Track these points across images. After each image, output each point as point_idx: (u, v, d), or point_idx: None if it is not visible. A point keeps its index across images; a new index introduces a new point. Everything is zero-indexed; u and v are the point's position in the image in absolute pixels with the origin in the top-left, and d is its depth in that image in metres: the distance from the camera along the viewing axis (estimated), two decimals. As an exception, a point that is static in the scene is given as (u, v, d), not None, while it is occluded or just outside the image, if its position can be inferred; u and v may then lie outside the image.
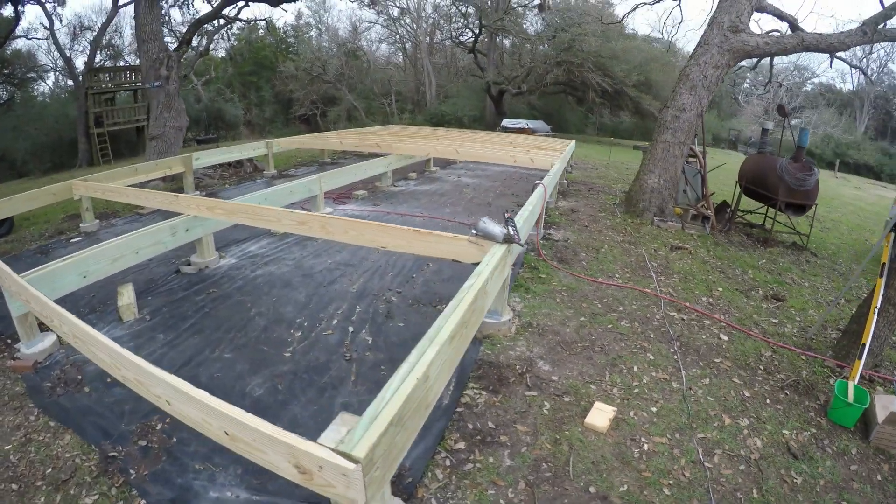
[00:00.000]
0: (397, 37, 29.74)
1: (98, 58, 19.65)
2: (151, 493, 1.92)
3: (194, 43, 17.90)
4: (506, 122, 22.84)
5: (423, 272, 4.13)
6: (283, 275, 4.17)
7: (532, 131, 20.98)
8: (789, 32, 6.03)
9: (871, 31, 5.37)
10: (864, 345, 3.20)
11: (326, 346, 2.99)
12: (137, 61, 23.09)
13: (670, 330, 3.53)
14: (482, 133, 12.62)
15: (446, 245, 2.83)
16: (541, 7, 9.30)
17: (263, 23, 22.35)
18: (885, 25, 5.58)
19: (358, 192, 7.60)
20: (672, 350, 3.25)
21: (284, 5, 17.35)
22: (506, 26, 23.71)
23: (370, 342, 3.02)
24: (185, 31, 16.45)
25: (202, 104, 20.42)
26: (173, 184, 8.02)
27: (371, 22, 28.67)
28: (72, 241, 5.30)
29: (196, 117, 19.20)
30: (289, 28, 28.35)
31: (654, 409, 2.59)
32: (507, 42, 28.94)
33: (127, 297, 3.37)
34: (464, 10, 24.76)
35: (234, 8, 17.31)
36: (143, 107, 17.03)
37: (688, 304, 4.06)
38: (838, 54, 6.10)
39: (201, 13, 16.83)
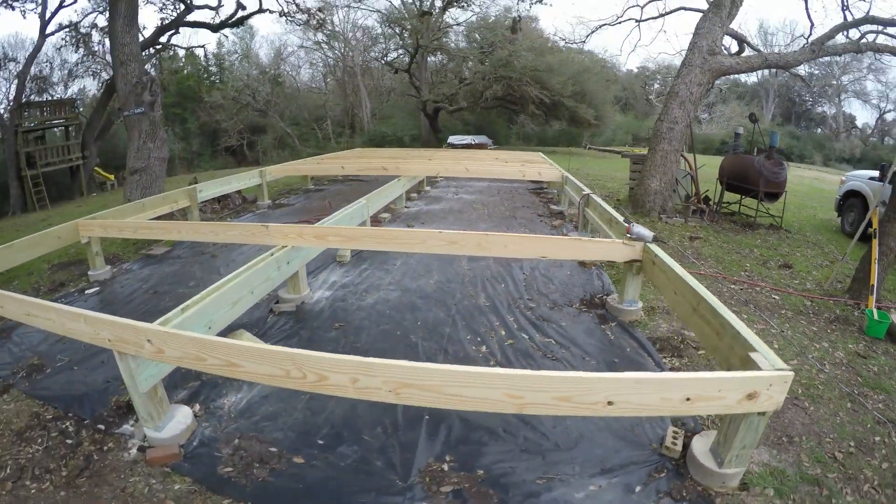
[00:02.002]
0: (329, 60, 30.36)
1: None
2: None
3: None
4: (452, 139, 24.16)
5: (529, 278, 4.94)
6: (398, 301, 4.24)
7: (479, 146, 22.58)
8: (752, 52, 7.82)
9: (818, 49, 7.27)
10: (872, 285, 4.64)
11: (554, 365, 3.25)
12: (64, 95, 21.64)
13: (741, 297, 4.76)
14: (466, 151, 13.78)
15: (605, 248, 3.73)
16: (513, 29, 10.57)
17: (192, 50, 22.09)
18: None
19: (382, 214, 8.15)
20: (751, 310, 4.46)
21: (226, 30, 17.48)
22: (443, 45, 25.36)
23: (571, 350, 3.43)
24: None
25: None
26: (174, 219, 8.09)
27: (301, 46, 29.10)
28: (86, 291, 4.89)
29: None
30: (210, 56, 27.98)
31: (776, 346, 3.72)
32: (435, 59, 30.71)
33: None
34: (399, 31, 26.12)
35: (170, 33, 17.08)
36: (78, 144, 16.20)
37: (736, 278, 5.35)
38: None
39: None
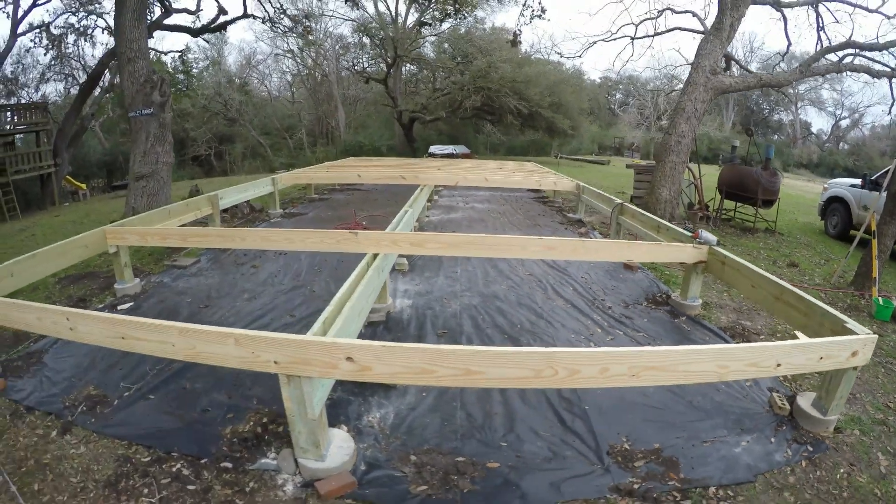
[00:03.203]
0: (302, 68, 30.54)
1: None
2: None
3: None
4: (433, 149, 24.84)
5: (587, 281, 5.60)
6: (484, 306, 4.58)
7: (465, 155, 23.43)
8: (747, 72, 8.96)
9: (805, 70, 8.48)
10: (874, 277, 5.64)
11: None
12: (35, 98, 20.71)
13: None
14: (469, 161, 14.49)
15: (676, 252, 4.43)
16: (513, 42, 11.38)
17: (159, 56, 21.82)
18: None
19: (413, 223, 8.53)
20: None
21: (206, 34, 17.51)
22: (421, 56, 26.16)
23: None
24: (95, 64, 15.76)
25: (107, 148, 19.30)
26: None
27: (275, 53, 29.17)
28: (118, 307, 4.57)
29: (102, 163, 18.15)
30: (177, 63, 27.57)
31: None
32: (409, 69, 31.52)
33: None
34: (374, 40, 26.74)
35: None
36: (49, 151, 15.77)
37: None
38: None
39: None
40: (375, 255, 3.99)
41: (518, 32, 11.84)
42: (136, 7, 7.76)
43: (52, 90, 21.32)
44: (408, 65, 29.37)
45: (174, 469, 2.52)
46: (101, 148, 18.67)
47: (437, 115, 27.02)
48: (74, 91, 19.62)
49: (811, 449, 2.77)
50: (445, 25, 19.98)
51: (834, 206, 9.30)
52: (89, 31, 16.08)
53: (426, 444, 2.66)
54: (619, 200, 6.93)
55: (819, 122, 44.34)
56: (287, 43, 26.80)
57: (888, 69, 8.70)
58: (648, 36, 12.81)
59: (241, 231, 5.02)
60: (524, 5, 11.56)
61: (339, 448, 2.52)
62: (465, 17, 13.11)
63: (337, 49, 29.23)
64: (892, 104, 9.44)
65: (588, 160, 30.37)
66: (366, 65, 29.96)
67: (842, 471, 2.64)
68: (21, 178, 14.90)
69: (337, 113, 29.65)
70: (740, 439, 2.78)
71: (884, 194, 5.91)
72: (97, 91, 16.89)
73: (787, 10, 9.82)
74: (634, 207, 6.43)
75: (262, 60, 30.46)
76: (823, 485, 2.52)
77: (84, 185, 17.45)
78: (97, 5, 17.35)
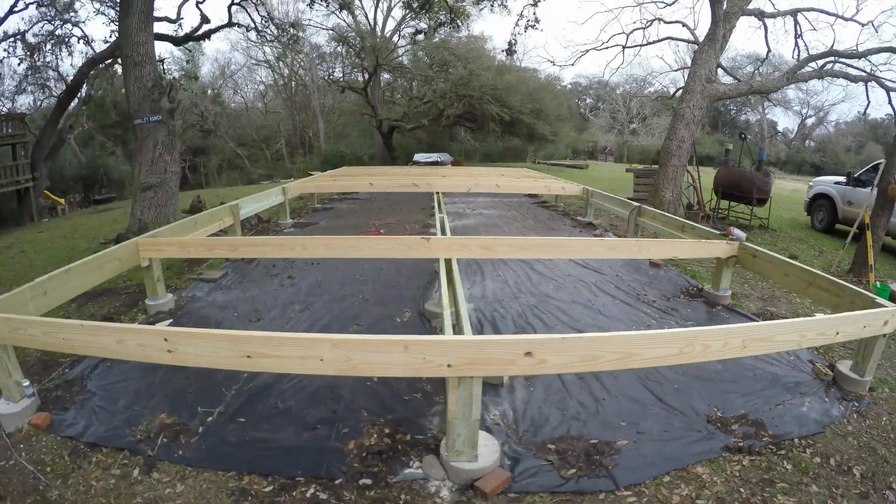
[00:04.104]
0: (279, 78, 30.71)
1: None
2: None
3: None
4: (418, 157, 25.46)
5: (622, 278, 6.21)
6: (545, 306, 4.96)
7: (455, 162, 24.14)
8: (739, 80, 9.92)
9: (791, 77, 9.47)
10: (871, 265, 6.50)
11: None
12: (12, 109, 20.06)
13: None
14: (467, 168, 15.09)
15: (712, 247, 5.08)
16: (509, 52, 12.04)
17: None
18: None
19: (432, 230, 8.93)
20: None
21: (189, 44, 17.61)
22: (402, 65, 26.77)
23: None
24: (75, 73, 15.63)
25: (83, 162, 19.08)
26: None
27: (255, 62, 29.26)
28: (157, 325, 4.30)
29: (79, 177, 17.95)
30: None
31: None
32: (387, 78, 32.10)
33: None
34: (351, 49, 27.20)
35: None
36: (27, 164, 15.53)
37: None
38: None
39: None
40: (448, 260, 4.33)
41: (513, 42, 12.54)
42: (144, 8, 7.59)
43: (23, 103, 20.95)
44: (386, 74, 29.90)
45: (308, 494, 2.42)
46: (76, 162, 18.43)
47: (420, 123, 27.65)
48: (47, 103, 19.38)
49: (857, 404, 3.45)
50: (439, 34, 20.59)
51: (820, 202, 10.32)
52: (67, 39, 16.00)
53: (556, 433, 2.94)
54: (636, 203, 7.63)
55: (785, 121, 46.96)
56: (263, 52, 26.97)
57: (864, 74, 9.80)
58: (639, 45, 13.69)
59: (302, 239, 4.92)
60: (519, 15, 12.29)
61: (484, 447, 2.58)
62: (458, 28, 13.70)
63: (313, 58, 29.56)
64: (867, 106, 10.58)
65: (566, 164, 31.47)
66: (342, 74, 30.36)
67: (884, 419, 3.32)
68: (-1, 192, 14.62)
69: (316, 122, 29.91)
70: (803, 400, 3.43)
71: (875, 191, 6.79)
72: (74, 102, 16.79)
73: (768, 20, 10.87)
74: (654, 210, 7.14)
75: (236, 71, 30.52)
76: (874, 430, 3.18)
77: (62, 200, 17.23)
78: (72, 13, 17.29)
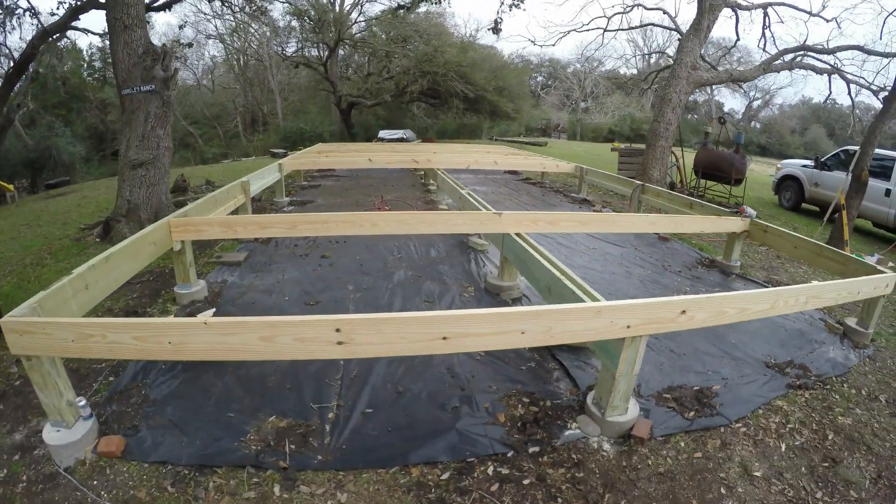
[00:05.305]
0: (233, 53, 29.63)
1: None
2: None
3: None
4: (383, 134, 25.58)
5: (639, 253, 7.00)
6: (594, 278, 5.53)
7: (427, 139, 24.49)
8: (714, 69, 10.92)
9: (766, 67, 10.56)
10: (846, 240, 7.65)
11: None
12: None
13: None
14: (457, 144, 15.53)
15: (727, 223, 5.90)
16: (494, 30, 12.43)
17: (73, 42, 20.55)
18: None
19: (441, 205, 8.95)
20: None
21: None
22: (365, 39, 26.59)
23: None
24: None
25: (31, 145, 17.96)
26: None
27: (211, 36, 28.05)
28: (198, 315, 4.07)
29: (26, 161, 16.97)
30: (94, 50, 25.79)
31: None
32: (343, 53, 31.71)
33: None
34: (311, 23, 26.67)
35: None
36: None
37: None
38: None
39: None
40: (517, 234, 4.46)
41: (499, 20, 13.01)
42: None
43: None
44: (344, 49, 29.57)
45: (490, 473, 2.47)
46: (21, 145, 17.37)
47: (382, 99, 27.67)
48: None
49: (866, 350, 4.37)
50: (421, 9, 20.64)
51: (787, 182, 11.61)
52: (13, 10, 14.98)
53: (662, 385, 3.44)
54: (639, 182, 8.44)
55: (732, 103, 49.98)
56: (215, 27, 26.00)
57: (829, 67, 11.08)
58: (622, 29, 14.51)
59: (364, 216, 4.67)
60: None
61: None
62: (439, 3, 13.97)
63: (267, 32, 28.77)
64: (829, 95, 11.98)
65: (525, 142, 32.41)
66: (297, 49, 29.76)
67: (889, 361, 4.25)
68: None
69: (272, 99, 29.25)
70: (828, 349, 4.31)
71: (850, 176, 7.91)
72: (22, 80, 15.87)
73: (741, 11, 11.94)
74: (658, 187, 7.97)
75: (188, 44, 29.11)
76: (885, 369, 4.10)
77: (11, 187, 16.30)
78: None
